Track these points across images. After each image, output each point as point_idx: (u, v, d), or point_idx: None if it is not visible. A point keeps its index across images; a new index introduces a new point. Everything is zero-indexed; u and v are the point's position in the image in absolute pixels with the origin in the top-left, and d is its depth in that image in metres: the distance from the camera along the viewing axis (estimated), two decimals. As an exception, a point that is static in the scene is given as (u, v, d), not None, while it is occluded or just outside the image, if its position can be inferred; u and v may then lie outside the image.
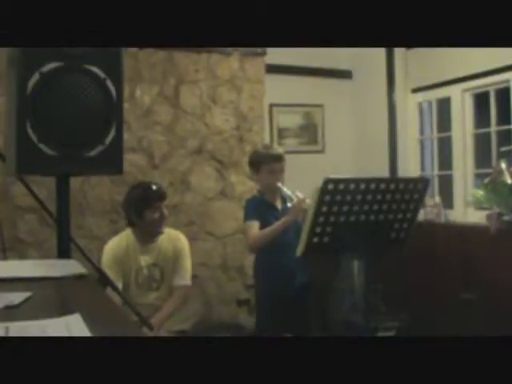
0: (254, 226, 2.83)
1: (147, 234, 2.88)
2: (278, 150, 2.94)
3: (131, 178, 3.47)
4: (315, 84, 4.52)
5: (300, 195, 2.72)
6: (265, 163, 2.86)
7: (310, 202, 2.43)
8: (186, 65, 3.96)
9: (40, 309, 0.99)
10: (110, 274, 2.49)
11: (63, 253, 1.62)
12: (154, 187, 2.87)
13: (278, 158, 2.87)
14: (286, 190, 2.80)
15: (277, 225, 2.77)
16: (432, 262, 3.61)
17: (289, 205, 2.78)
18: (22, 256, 3.35)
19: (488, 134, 3.74)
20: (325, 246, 2.33)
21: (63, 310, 0.91)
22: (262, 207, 2.89)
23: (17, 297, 1.01)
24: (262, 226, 2.82)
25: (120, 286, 2.73)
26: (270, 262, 2.89)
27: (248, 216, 2.88)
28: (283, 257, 2.81)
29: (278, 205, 2.93)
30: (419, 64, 4.17)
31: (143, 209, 2.80)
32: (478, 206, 3.48)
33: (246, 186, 4.07)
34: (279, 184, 2.83)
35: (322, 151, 4.61)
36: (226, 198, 4.07)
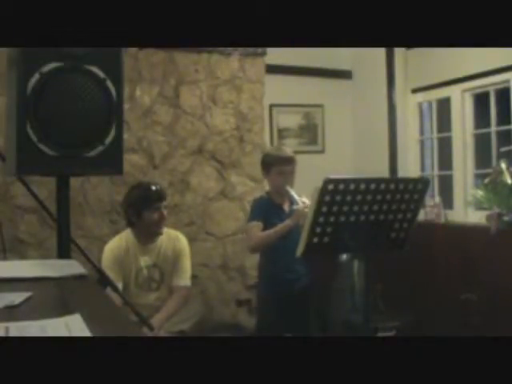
0: (257, 226, 2.84)
1: (147, 234, 2.87)
2: (289, 152, 2.96)
3: (131, 178, 3.47)
4: (315, 84, 4.52)
5: (306, 201, 2.73)
6: (275, 165, 2.89)
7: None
8: (186, 65, 3.96)
9: (40, 309, 0.99)
10: (110, 274, 2.48)
11: (63, 253, 1.62)
12: (154, 187, 2.87)
13: (288, 161, 2.89)
14: (294, 194, 2.81)
15: (278, 228, 2.78)
16: (432, 262, 3.61)
17: (294, 207, 2.79)
18: (22, 256, 3.35)
19: (488, 134, 3.74)
20: (325, 245, 2.32)
21: (63, 310, 0.91)
22: (268, 208, 2.90)
23: (17, 297, 1.01)
24: (266, 227, 2.83)
25: (120, 286, 2.72)
26: (273, 264, 2.91)
27: (252, 216, 2.89)
28: (286, 259, 2.81)
29: (286, 207, 2.94)
30: (419, 64, 4.17)
31: (143, 209, 2.80)
32: (478, 206, 3.49)
33: (246, 186, 4.07)
34: (287, 187, 2.85)
35: (321, 151, 4.61)
36: (226, 198, 4.07)
